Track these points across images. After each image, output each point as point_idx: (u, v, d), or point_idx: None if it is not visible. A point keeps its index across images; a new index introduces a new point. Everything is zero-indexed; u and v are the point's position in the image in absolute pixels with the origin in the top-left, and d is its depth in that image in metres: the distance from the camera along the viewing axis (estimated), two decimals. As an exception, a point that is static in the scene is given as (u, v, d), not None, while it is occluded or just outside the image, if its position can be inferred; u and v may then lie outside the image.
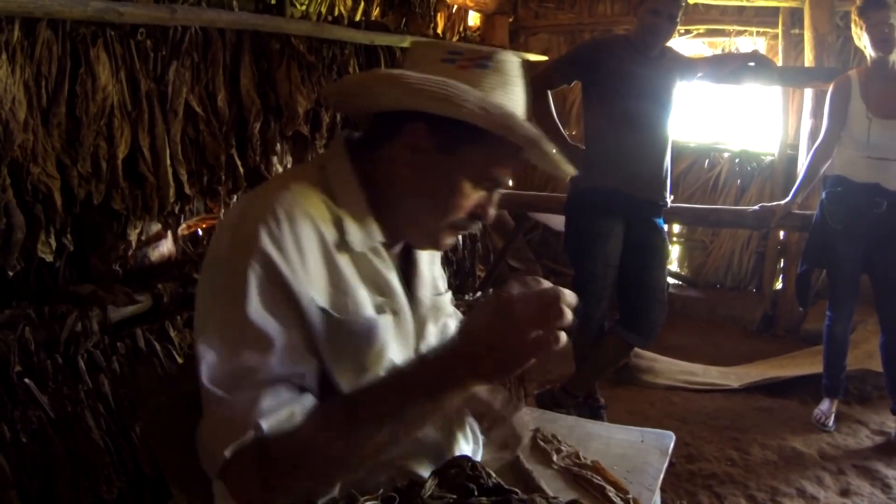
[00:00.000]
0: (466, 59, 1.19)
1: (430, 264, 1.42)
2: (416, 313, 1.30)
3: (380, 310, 1.20)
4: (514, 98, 1.21)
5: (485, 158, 1.19)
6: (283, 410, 1.05)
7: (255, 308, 1.05)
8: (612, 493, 1.31)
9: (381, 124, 1.23)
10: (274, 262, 1.06)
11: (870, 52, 3.17)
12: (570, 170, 1.28)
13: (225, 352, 1.05)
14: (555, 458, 1.38)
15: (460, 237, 4.15)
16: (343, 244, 1.17)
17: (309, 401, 1.08)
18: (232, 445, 1.02)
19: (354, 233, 1.18)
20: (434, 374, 1.00)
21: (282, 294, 1.07)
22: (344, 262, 1.16)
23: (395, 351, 1.23)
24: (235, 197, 2.77)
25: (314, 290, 1.11)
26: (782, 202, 3.68)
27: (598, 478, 1.34)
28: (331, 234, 1.15)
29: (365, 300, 1.18)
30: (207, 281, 1.14)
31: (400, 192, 1.21)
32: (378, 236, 1.22)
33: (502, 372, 0.99)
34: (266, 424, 1.02)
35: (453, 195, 1.19)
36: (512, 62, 1.22)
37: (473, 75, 1.17)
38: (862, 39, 3.18)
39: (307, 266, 1.10)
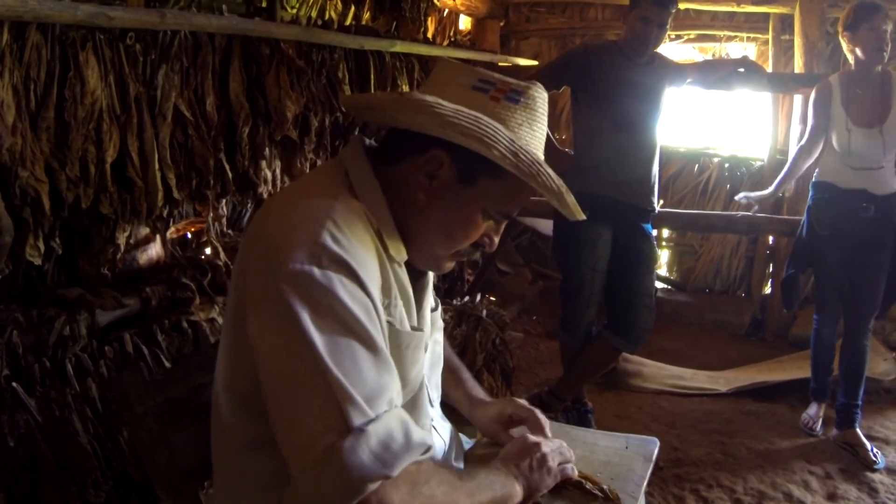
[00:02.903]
0: (498, 91, 1.17)
1: (431, 279, 1.41)
2: (423, 330, 1.28)
3: (410, 324, 1.20)
4: (538, 136, 1.20)
5: (503, 194, 1.18)
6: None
7: (351, 314, 1.00)
8: (589, 485, 1.32)
9: (400, 141, 1.20)
10: (349, 264, 1.02)
11: (859, 57, 3.14)
12: (583, 216, 1.25)
13: (345, 368, 0.96)
14: None
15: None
16: (388, 255, 1.15)
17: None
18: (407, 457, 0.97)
19: (389, 246, 1.15)
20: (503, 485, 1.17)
21: (365, 296, 1.03)
22: (391, 271, 1.15)
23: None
24: (224, 201, 2.75)
25: (377, 295, 1.07)
26: (765, 192, 3.70)
27: None
28: (379, 244, 1.13)
29: (404, 313, 1.18)
30: (271, 296, 1.00)
31: (413, 213, 1.18)
32: (405, 253, 1.19)
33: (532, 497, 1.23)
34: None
35: (466, 226, 1.19)
36: (541, 98, 1.21)
37: (504, 109, 1.16)
38: (853, 43, 3.14)
39: (369, 271, 1.06)
